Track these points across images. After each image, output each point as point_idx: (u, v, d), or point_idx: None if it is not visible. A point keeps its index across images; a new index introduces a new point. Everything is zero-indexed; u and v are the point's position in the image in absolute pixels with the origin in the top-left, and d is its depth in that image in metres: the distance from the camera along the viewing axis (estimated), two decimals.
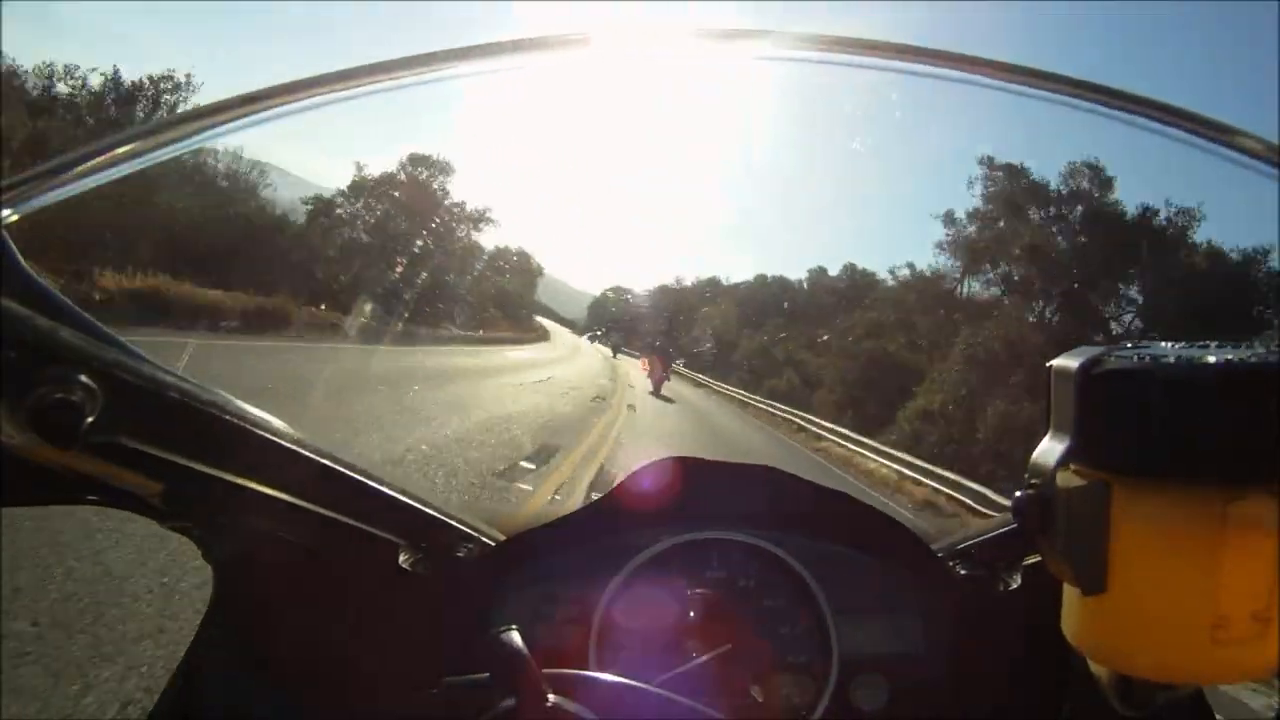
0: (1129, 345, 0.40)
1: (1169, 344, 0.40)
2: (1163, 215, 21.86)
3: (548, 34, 0.56)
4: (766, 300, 36.25)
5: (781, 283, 38.19)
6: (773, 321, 34.24)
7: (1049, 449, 0.41)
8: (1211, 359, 0.37)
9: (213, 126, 0.49)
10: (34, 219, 0.46)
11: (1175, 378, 0.37)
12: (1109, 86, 0.54)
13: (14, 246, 0.45)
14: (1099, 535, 0.39)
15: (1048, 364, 0.42)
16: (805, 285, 36.75)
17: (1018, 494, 0.42)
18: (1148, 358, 0.38)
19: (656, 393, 17.69)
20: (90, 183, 0.48)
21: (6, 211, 0.44)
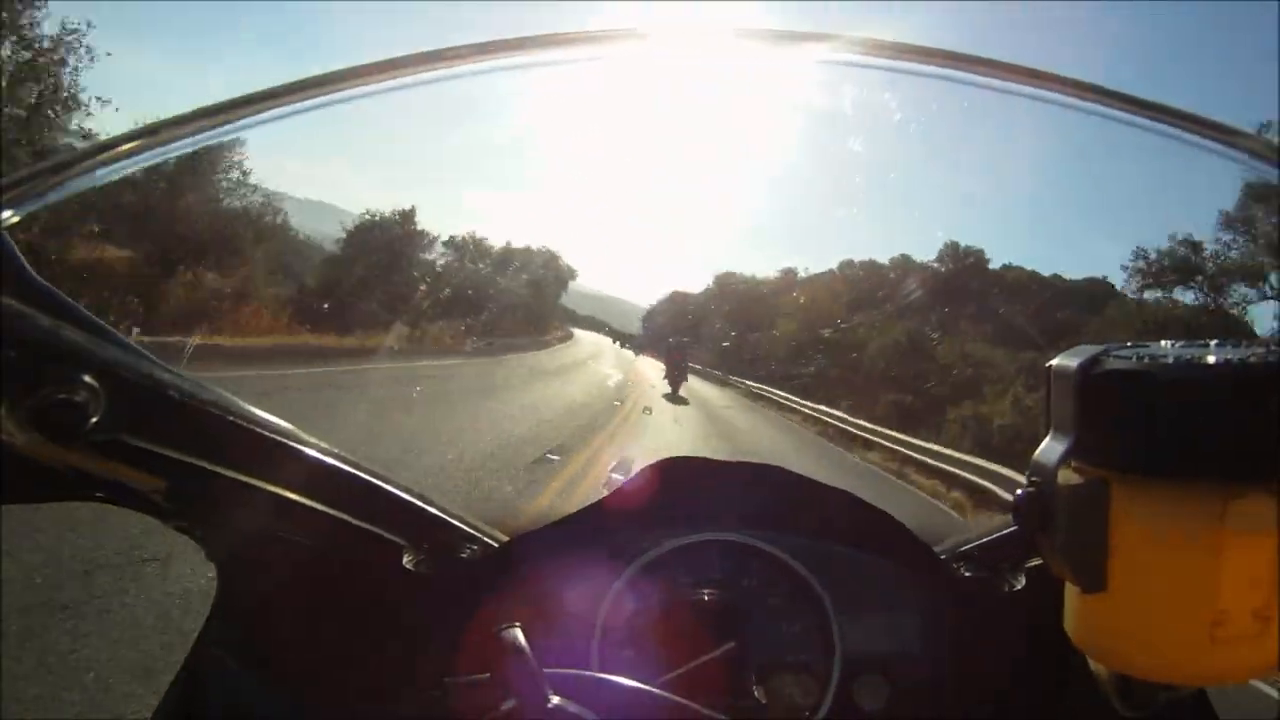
0: (1128, 344, 0.40)
1: (1168, 343, 0.40)
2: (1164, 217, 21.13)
3: (604, 28, 0.56)
4: (860, 291, 27.76)
5: (873, 268, 29.48)
6: (885, 309, 24.17)
7: (1049, 448, 0.41)
8: (1211, 358, 0.37)
9: (216, 126, 0.49)
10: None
11: (1174, 377, 0.37)
12: (1114, 89, 0.54)
13: (15, 246, 0.45)
14: (1099, 534, 0.39)
15: (1047, 364, 0.42)
16: (892, 275, 29.13)
17: (1017, 493, 0.42)
18: (1147, 357, 0.38)
19: (675, 394, 16.85)
20: (91, 181, 0.48)
21: (7, 212, 0.45)
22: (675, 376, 17.15)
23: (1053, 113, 0.57)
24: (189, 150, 0.49)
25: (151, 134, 0.49)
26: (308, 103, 0.50)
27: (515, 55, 0.53)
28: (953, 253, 27.02)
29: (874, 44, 0.57)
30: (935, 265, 27.65)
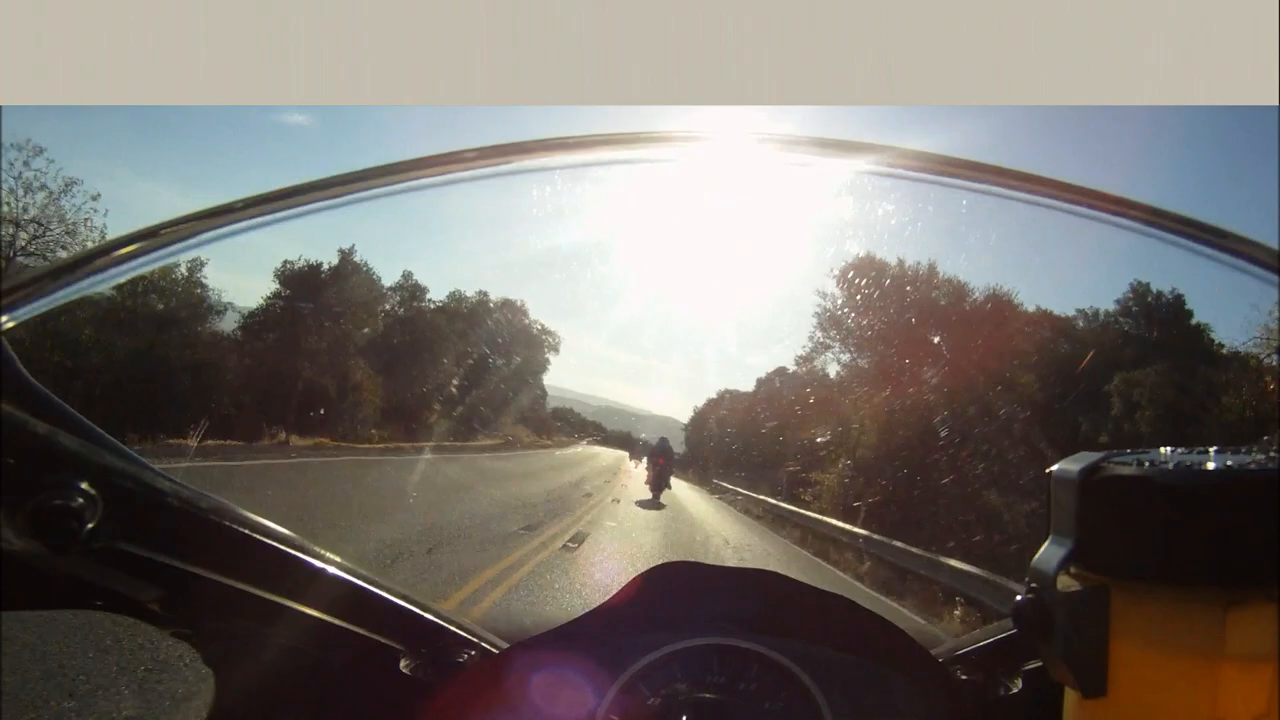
0: (1129, 451, 0.41)
1: (1168, 450, 0.41)
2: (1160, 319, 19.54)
3: (668, 129, 0.57)
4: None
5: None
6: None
7: (1049, 554, 0.41)
8: (1211, 465, 0.37)
9: (215, 228, 0.49)
10: None
11: (1174, 484, 0.37)
12: (1108, 193, 0.55)
13: (13, 352, 0.45)
14: (1099, 639, 0.39)
15: (1048, 470, 0.43)
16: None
17: (1018, 598, 0.42)
18: (1147, 464, 0.38)
19: (655, 499, 15.54)
20: (89, 285, 0.48)
21: (4, 318, 0.45)
22: (657, 482, 16.31)
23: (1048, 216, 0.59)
24: (190, 253, 0.49)
25: (149, 236, 0.49)
26: (310, 206, 0.50)
27: (565, 154, 0.54)
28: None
29: (921, 156, 0.58)
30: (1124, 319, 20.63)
